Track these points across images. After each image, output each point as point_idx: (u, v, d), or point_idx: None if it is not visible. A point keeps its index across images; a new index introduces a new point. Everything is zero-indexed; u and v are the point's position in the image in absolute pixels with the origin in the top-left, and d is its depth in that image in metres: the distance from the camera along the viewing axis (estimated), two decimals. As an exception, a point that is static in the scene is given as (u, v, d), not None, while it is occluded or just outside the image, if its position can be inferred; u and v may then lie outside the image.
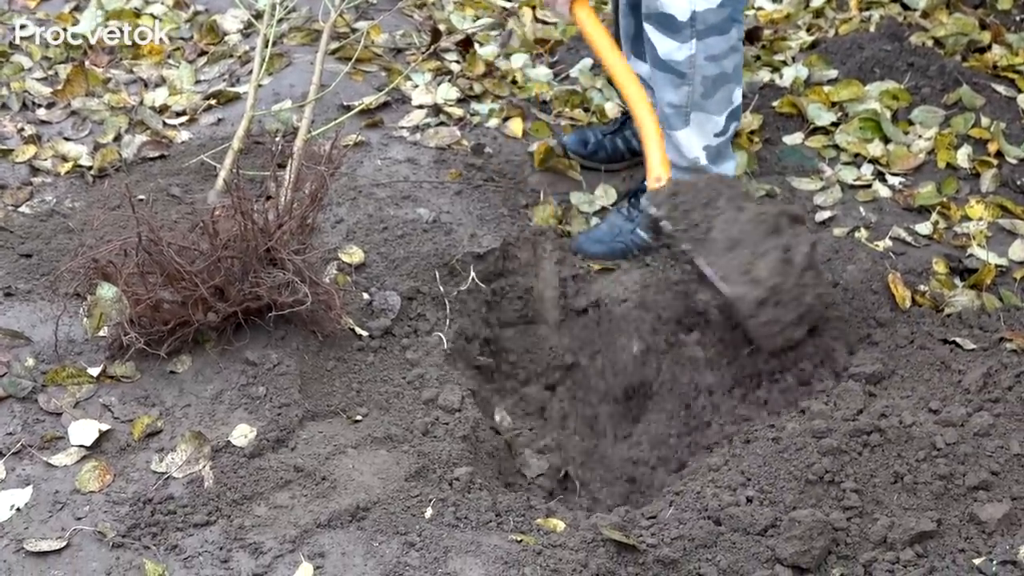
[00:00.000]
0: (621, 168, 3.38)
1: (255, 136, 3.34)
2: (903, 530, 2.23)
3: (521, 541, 2.25)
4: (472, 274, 2.99)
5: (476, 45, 3.97)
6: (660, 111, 2.94)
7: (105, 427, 2.42)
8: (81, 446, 2.38)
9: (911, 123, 3.56)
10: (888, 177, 3.37)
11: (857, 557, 2.23)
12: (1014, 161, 3.41)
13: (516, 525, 2.33)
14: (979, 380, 2.55)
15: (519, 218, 3.17)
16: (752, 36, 4.05)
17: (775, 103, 3.63)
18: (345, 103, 3.52)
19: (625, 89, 2.89)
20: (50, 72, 3.85)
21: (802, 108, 3.58)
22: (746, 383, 2.71)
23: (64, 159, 3.37)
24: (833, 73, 3.75)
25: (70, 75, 3.72)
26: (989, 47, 3.93)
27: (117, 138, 3.46)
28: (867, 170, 3.39)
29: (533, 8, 4.26)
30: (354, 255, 2.93)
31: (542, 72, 3.85)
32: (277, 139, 3.29)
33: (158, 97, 3.69)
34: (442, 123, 3.55)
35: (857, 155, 3.44)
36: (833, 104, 3.62)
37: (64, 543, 2.18)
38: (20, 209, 3.12)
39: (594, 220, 3.24)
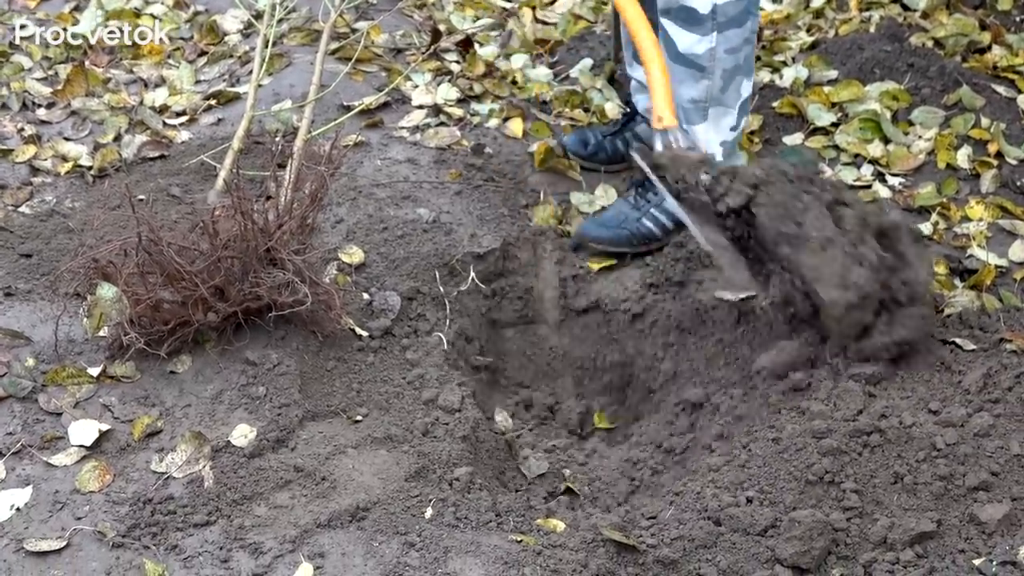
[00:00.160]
0: (621, 169, 3.38)
1: (255, 136, 3.34)
2: (903, 530, 2.23)
3: (521, 541, 2.25)
4: (472, 274, 3.00)
5: (476, 45, 3.97)
6: (678, 108, 2.92)
7: (105, 427, 2.42)
8: (81, 446, 2.38)
9: (911, 124, 3.56)
10: (888, 178, 3.37)
11: (857, 557, 2.23)
12: (1014, 162, 3.41)
13: (516, 525, 2.33)
14: (979, 381, 2.55)
15: (519, 218, 3.17)
16: (752, 36, 4.05)
17: (775, 104, 3.63)
18: (345, 103, 3.52)
19: (633, 24, 2.86)
20: (50, 72, 3.85)
21: (802, 109, 3.59)
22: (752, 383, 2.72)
23: (64, 159, 3.37)
24: (833, 74, 3.75)
25: (70, 75, 3.72)
26: (989, 48, 3.93)
27: (117, 138, 3.46)
28: (867, 171, 3.39)
29: (533, 8, 4.26)
30: (354, 255, 2.93)
31: (542, 72, 3.85)
32: (277, 139, 3.29)
33: (158, 97, 3.69)
34: (442, 123, 3.55)
35: (857, 156, 3.45)
36: (833, 105, 3.62)
37: (64, 543, 2.18)
38: (20, 209, 3.12)
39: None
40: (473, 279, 3.00)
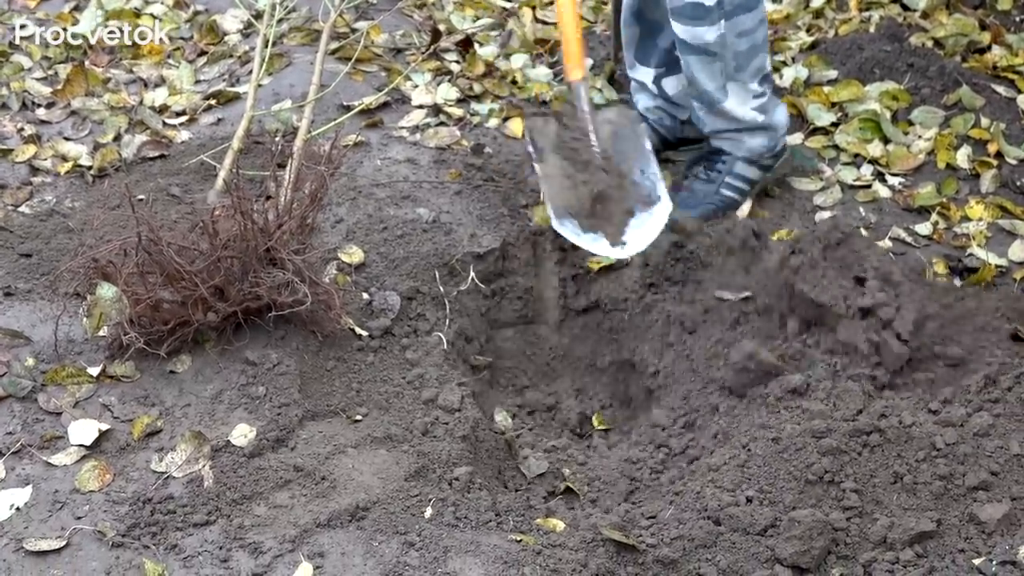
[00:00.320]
0: (621, 169, 3.38)
1: (255, 136, 3.34)
2: (903, 530, 2.23)
3: (521, 541, 2.25)
4: (472, 274, 2.99)
5: (476, 45, 3.97)
6: (700, 92, 3.12)
7: (105, 427, 2.42)
8: (81, 446, 2.38)
9: (911, 123, 3.56)
10: (888, 177, 3.37)
11: (857, 557, 2.23)
12: (1014, 162, 3.42)
13: (516, 525, 2.33)
14: (979, 380, 2.55)
15: (519, 218, 3.17)
16: (752, 36, 4.05)
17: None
18: (345, 103, 3.52)
19: None
20: (50, 72, 3.85)
21: (802, 108, 3.59)
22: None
23: (64, 159, 3.37)
24: (833, 73, 3.75)
25: (70, 75, 3.72)
26: (989, 48, 3.93)
27: (117, 138, 3.46)
28: (867, 170, 3.39)
29: (533, 8, 4.26)
30: (354, 255, 2.93)
31: (542, 72, 3.85)
32: (277, 139, 3.29)
33: (158, 97, 3.69)
34: (442, 123, 3.55)
35: (857, 155, 3.45)
36: (833, 104, 3.62)
37: (64, 543, 2.18)
38: (20, 209, 3.12)
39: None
40: (473, 279, 3.00)
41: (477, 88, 3.73)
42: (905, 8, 4.18)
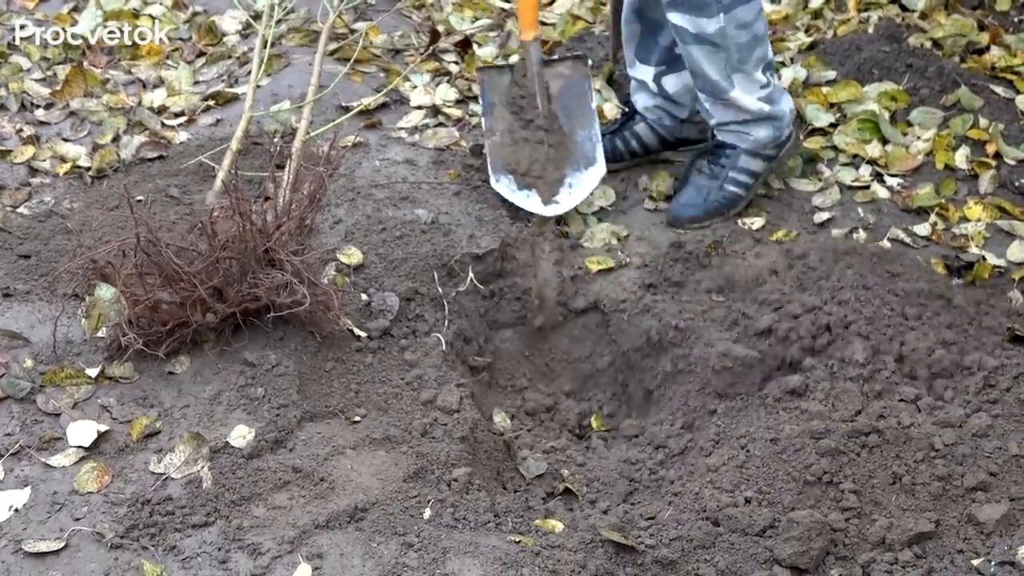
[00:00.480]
0: (620, 168, 3.38)
1: (253, 137, 3.34)
2: (901, 531, 2.24)
3: (519, 542, 2.25)
4: (471, 275, 3.00)
5: (475, 46, 3.97)
6: (706, 82, 3.11)
7: (103, 428, 2.42)
8: (79, 447, 2.38)
9: (909, 124, 3.56)
10: (886, 178, 3.37)
11: (855, 558, 2.23)
12: (1012, 162, 3.42)
13: (514, 526, 2.33)
14: (978, 381, 2.55)
15: (517, 219, 3.17)
16: (751, 37, 4.05)
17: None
18: (344, 104, 3.52)
19: None
20: (49, 73, 3.84)
21: (800, 109, 3.58)
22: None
23: (63, 160, 3.37)
24: (831, 74, 3.75)
25: (69, 76, 3.71)
26: (987, 48, 3.93)
27: (115, 139, 3.46)
28: (865, 171, 3.39)
29: (532, 9, 4.26)
30: (352, 256, 2.93)
31: (541, 73, 3.85)
32: (276, 140, 3.29)
33: (157, 98, 3.68)
34: (440, 124, 3.55)
35: (855, 156, 3.45)
36: (831, 105, 3.62)
37: (62, 544, 2.18)
38: (19, 210, 3.12)
39: (592, 220, 3.24)
40: (471, 280, 3.00)
41: (476, 89, 3.73)
42: (904, 9, 4.18)
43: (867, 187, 3.33)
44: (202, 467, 2.34)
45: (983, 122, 3.50)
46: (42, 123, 3.56)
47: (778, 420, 2.51)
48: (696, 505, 2.34)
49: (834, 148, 3.48)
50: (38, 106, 3.65)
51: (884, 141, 3.48)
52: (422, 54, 3.85)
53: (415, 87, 3.70)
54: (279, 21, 3.71)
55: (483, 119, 3.21)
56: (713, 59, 3.06)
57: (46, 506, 2.26)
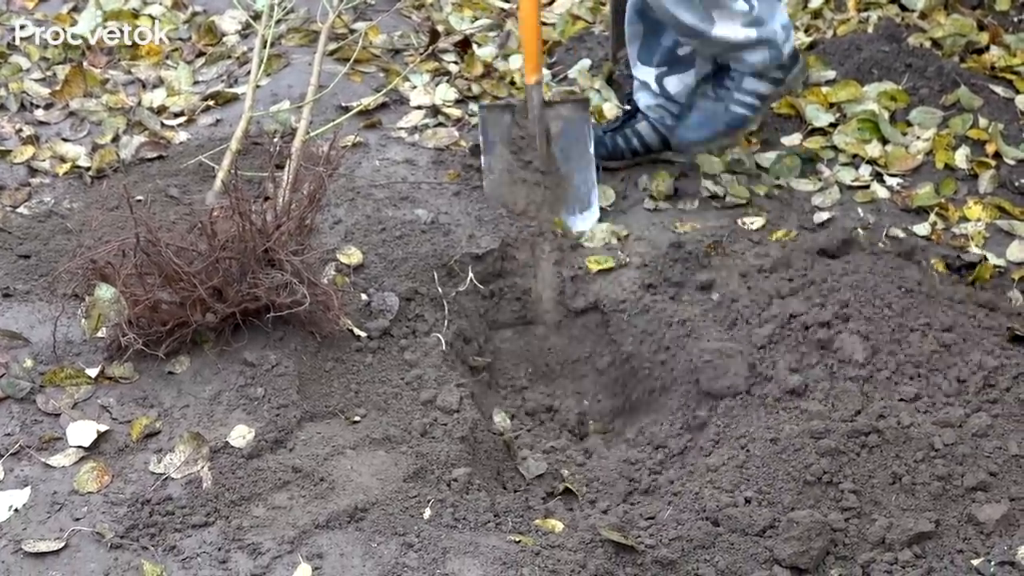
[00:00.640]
0: (620, 167, 3.38)
1: (253, 137, 3.34)
2: (901, 531, 2.24)
3: (519, 542, 2.25)
4: (470, 275, 3.00)
5: (474, 46, 3.97)
6: (684, 29, 3.07)
7: (103, 428, 2.42)
8: (79, 447, 2.38)
9: (909, 124, 3.56)
10: (886, 178, 3.37)
11: (855, 558, 2.23)
12: (1012, 162, 3.42)
13: (514, 526, 2.33)
14: (978, 381, 2.55)
15: (517, 219, 3.17)
16: (750, 37, 4.05)
17: (773, 104, 3.63)
18: (343, 104, 3.52)
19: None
20: (48, 73, 3.84)
21: (800, 109, 3.59)
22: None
23: (62, 160, 3.37)
24: (831, 74, 3.75)
25: (68, 76, 3.72)
26: (987, 48, 3.93)
27: (115, 139, 3.46)
28: (865, 171, 3.39)
29: (531, 9, 4.26)
30: (352, 256, 2.93)
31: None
32: (275, 140, 3.29)
33: (156, 98, 3.69)
34: (440, 124, 3.55)
35: (855, 156, 3.45)
36: (831, 105, 3.62)
37: (62, 544, 2.18)
38: (18, 210, 3.12)
39: (590, 217, 3.24)
40: (471, 280, 3.00)
41: (475, 89, 3.74)
42: (903, 8, 4.18)
43: (867, 187, 3.33)
44: (202, 467, 2.34)
45: (983, 122, 3.51)
46: (42, 123, 3.56)
47: (778, 420, 2.51)
48: (696, 505, 2.34)
49: (834, 148, 3.48)
50: (38, 106, 3.66)
51: (884, 141, 3.48)
52: (422, 54, 3.85)
53: (415, 87, 3.70)
54: (279, 21, 3.71)
55: (483, 157, 3.24)
56: (686, 3, 3.00)
57: (46, 506, 2.26)
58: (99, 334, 2.59)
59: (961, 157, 3.40)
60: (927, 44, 3.90)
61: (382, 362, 2.71)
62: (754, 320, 2.83)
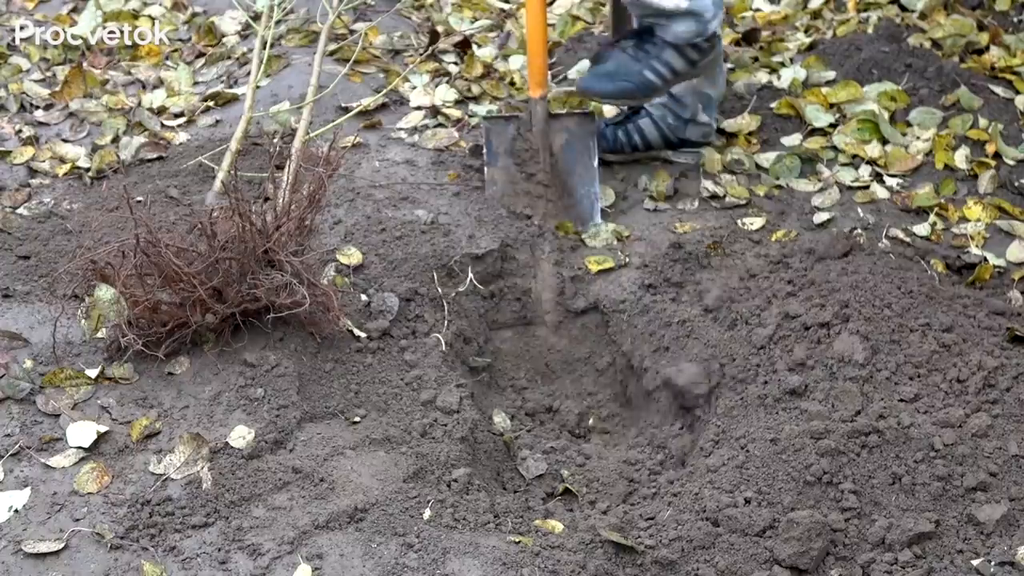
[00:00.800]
0: (619, 161, 3.38)
1: (253, 137, 3.34)
2: (901, 531, 2.24)
3: (519, 542, 2.25)
4: (470, 275, 3.00)
5: (474, 46, 3.97)
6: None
7: (103, 428, 2.42)
8: (79, 447, 2.38)
9: (909, 124, 3.56)
10: (886, 178, 3.37)
11: (855, 558, 2.23)
12: (1012, 162, 3.42)
13: (514, 526, 2.33)
14: (978, 381, 2.55)
15: (517, 219, 3.17)
16: (750, 37, 4.05)
17: (773, 105, 3.63)
18: (343, 104, 3.52)
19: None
20: (48, 74, 3.85)
21: (800, 110, 3.59)
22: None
23: (62, 161, 3.37)
24: (831, 74, 3.75)
25: (68, 77, 3.72)
26: (987, 48, 3.93)
27: (115, 139, 3.46)
28: (865, 171, 3.39)
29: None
30: (352, 256, 2.93)
31: (540, 73, 3.85)
32: (275, 140, 3.29)
33: (156, 99, 3.69)
34: (440, 124, 3.55)
35: (855, 156, 3.45)
36: (831, 105, 3.62)
37: (62, 544, 2.18)
38: (18, 211, 3.12)
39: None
40: (471, 280, 3.00)
41: (475, 89, 3.74)
42: (903, 9, 4.19)
43: (867, 187, 3.33)
44: (202, 468, 2.34)
45: (982, 122, 3.51)
46: (41, 124, 3.57)
47: (778, 420, 2.51)
48: (696, 505, 2.34)
49: (834, 148, 3.48)
50: (37, 107, 3.66)
51: (884, 141, 3.48)
52: (421, 55, 3.85)
53: (415, 88, 3.70)
54: (278, 22, 3.71)
55: (486, 169, 3.24)
56: None
57: (46, 507, 2.26)
58: (99, 335, 2.59)
59: (961, 157, 3.40)
60: (927, 44, 3.90)
61: (382, 363, 2.71)
62: (754, 320, 2.83)
